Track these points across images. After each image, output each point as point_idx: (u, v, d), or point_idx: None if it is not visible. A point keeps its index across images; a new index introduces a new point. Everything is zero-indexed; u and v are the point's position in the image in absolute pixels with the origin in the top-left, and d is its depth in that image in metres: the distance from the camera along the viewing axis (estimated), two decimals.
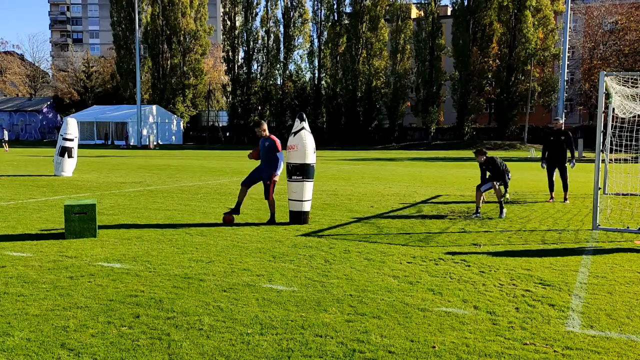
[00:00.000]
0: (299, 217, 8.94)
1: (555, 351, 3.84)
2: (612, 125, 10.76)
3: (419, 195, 13.17)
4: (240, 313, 4.55)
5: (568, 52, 41.90)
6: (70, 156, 17.93)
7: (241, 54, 63.73)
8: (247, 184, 9.12)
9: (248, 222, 9.04)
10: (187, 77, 62.97)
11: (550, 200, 12.01)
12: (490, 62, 55.45)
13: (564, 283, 5.57)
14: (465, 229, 8.74)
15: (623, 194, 12.47)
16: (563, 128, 12.17)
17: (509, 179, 10.50)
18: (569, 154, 11.86)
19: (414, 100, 58.08)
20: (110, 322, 4.30)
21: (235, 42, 62.67)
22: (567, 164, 11.88)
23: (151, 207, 10.76)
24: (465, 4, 55.22)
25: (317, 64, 61.76)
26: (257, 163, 9.59)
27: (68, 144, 17.91)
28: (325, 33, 60.51)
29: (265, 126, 9.10)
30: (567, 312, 4.66)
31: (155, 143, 51.26)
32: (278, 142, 9.00)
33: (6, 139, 38.78)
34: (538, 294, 5.19)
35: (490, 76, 55.94)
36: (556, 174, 12.16)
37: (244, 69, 62.90)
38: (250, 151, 9.27)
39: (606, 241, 7.81)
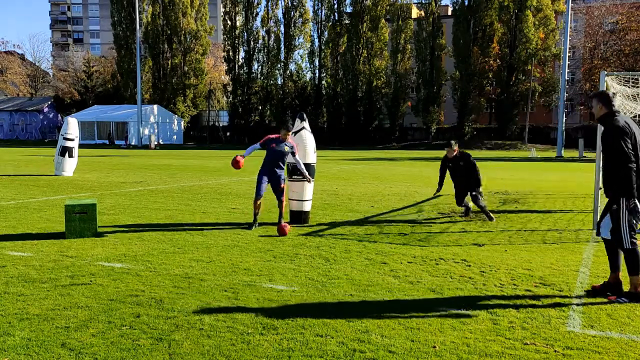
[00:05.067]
0: (299, 217, 8.94)
1: (555, 351, 3.84)
2: None
3: (419, 195, 13.16)
4: (241, 313, 4.55)
5: (569, 52, 41.89)
6: (70, 156, 17.93)
7: (242, 54, 63.78)
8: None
9: (248, 221, 9.04)
10: (187, 76, 62.92)
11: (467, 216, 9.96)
12: (491, 61, 55.42)
13: (565, 283, 5.56)
14: (465, 228, 8.74)
15: None
16: (458, 154, 9.75)
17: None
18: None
19: (415, 100, 58.06)
20: (110, 321, 4.30)
21: (236, 41, 62.67)
22: (478, 189, 9.55)
23: (152, 206, 10.76)
24: (466, 3, 55.18)
25: (317, 63, 61.75)
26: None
27: (69, 143, 17.91)
28: (326, 33, 60.49)
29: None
30: (568, 312, 4.66)
31: (156, 143, 51.23)
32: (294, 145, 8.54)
33: None
34: (539, 293, 5.19)
35: (490, 76, 55.90)
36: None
37: (245, 68, 62.90)
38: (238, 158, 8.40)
39: None
